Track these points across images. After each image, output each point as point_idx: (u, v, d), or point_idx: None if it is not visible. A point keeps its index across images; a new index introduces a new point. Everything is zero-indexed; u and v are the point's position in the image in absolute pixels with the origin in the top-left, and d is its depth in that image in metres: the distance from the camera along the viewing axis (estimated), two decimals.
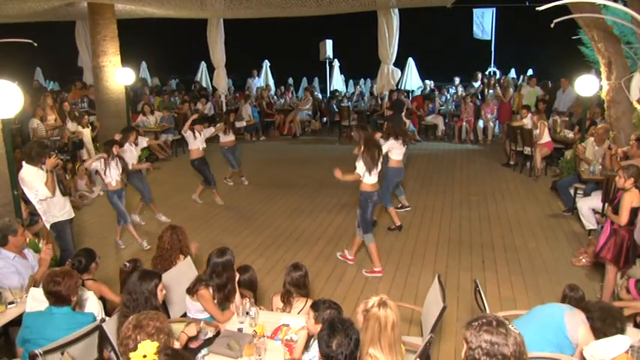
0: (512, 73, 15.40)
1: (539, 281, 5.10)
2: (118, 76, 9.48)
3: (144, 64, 17.46)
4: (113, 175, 6.06)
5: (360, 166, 5.12)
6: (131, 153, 6.65)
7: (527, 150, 9.09)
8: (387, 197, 6.60)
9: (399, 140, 6.26)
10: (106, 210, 7.81)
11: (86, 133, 9.18)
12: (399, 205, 7.30)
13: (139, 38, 14.76)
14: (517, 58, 16.79)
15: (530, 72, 15.00)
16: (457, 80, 14.23)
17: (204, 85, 16.68)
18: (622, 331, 2.95)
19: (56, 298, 3.06)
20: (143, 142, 6.98)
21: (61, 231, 5.04)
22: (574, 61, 9.56)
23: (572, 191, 6.96)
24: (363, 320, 2.47)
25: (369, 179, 5.19)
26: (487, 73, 14.89)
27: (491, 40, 15.17)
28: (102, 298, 3.82)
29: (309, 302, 3.46)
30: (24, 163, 4.84)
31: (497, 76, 14.57)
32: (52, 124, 9.21)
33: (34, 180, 4.78)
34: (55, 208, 4.96)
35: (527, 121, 9.03)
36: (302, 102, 14.04)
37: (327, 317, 2.78)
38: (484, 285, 4.89)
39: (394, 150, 6.28)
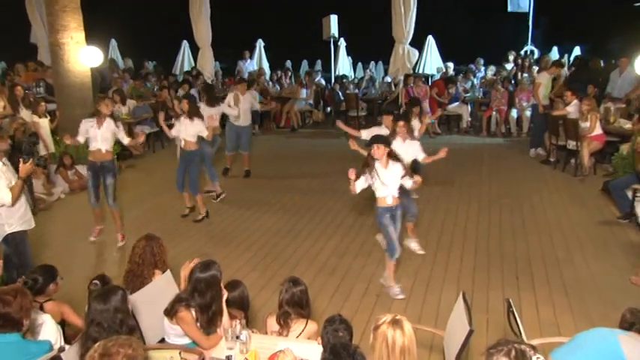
0: (555, 53, 15.22)
1: (588, 303, 5.05)
2: (83, 56, 9.38)
3: (113, 43, 17.48)
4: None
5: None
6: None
7: (571, 144, 9.03)
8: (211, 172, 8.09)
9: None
10: (67, 216, 7.84)
11: (43, 124, 9.10)
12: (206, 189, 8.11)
13: (107, 11, 14.78)
14: (561, 34, 16.60)
15: (577, 50, 14.82)
16: (482, 61, 14.17)
17: (186, 68, 16.69)
18: None
19: (4, 321, 2.97)
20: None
21: (20, 243, 4.90)
22: (636, 35, 9.28)
23: (629, 194, 6.89)
24: (372, 339, 2.52)
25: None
26: (522, 52, 14.81)
27: (528, 13, 15.07)
28: (62, 323, 3.78)
29: (311, 325, 3.46)
30: None
31: (536, 55, 14.47)
32: (0, 112, 9.16)
33: None
34: (14, 216, 4.80)
35: (571, 109, 8.95)
36: (294, 92, 14.06)
37: (327, 342, 2.81)
38: (519, 305, 4.85)
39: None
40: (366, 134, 6.32)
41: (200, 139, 7.21)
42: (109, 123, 6.38)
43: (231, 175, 9.59)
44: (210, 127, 7.21)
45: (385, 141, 4.98)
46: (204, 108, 7.92)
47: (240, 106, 8.99)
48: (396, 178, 4.98)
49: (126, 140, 6.68)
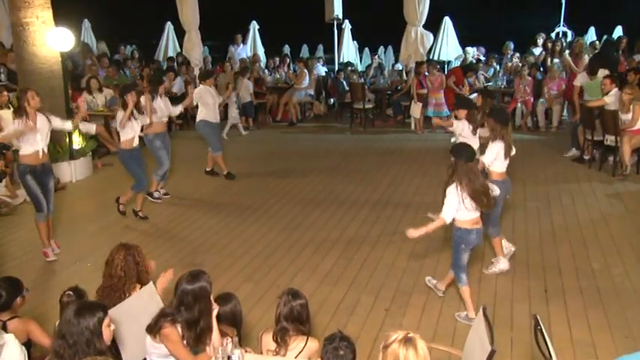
0: (591, 34, 15.05)
1: (629, 319, 5.04)
2: (51, 38, 9.33)
3: (86, 23, 17.48)
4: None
5: None
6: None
7: (609, 139, 9.02)
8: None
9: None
10: (33, 222, 7.83)
11: (6, 116, 9.07)
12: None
13: None
14: (600, 12, 16.21)
15: (618, 30, 14.62)
16: (511, 46, 14.12)
17: (170, 54, 16.72)
18: None
19: None
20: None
21: None
22: None
23: None
24: (381, 359, 2.55)
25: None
26: (553, 35, 14.72)
27: None
28: (27, 343, 3.78)
29: (312, 342, 3.48)
30: None
31: (569, 37, 14.35)
32: None
33: None
34: None
35: (609, 100, 8.94)
36: (297, 78, 14.06)
37: None
38: (548, 322, 4.86)
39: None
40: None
41: None
42: (41, 118, 6.27)
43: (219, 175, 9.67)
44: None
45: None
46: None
47: (213, 102, 9.18)
48: None
49: (68, 125, 6.85)
